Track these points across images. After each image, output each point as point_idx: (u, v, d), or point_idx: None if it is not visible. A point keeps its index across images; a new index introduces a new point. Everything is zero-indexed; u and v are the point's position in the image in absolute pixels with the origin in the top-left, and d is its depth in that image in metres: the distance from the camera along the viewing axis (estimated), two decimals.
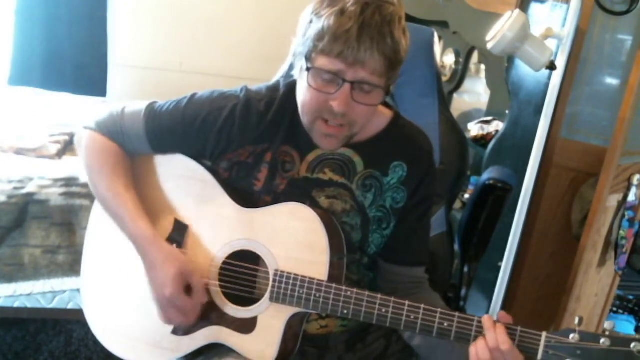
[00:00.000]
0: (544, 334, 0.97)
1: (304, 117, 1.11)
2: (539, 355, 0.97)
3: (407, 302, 1.04)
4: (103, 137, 1.20)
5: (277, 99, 1.18)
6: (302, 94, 1.09)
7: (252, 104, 1.17)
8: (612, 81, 1.99)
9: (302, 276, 1.08)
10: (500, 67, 2.20)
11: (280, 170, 1.18)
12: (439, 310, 1.02)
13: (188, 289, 1.11)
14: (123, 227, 1.15)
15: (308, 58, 1.05)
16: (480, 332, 1.01)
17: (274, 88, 1.21)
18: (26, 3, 3.01)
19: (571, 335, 0.95)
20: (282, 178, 1.17)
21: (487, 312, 2.00)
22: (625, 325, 2.48)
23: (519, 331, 0.99)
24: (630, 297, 2.56)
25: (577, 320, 0.96)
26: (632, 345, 0.92)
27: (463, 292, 1.73)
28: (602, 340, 0.94)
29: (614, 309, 2.51)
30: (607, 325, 0.95)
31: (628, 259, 1.96)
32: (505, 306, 1.98)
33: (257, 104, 1.18)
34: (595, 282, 1.90)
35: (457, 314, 1.02)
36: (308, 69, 1.05)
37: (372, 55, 1.00)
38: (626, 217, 1.80)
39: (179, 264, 1.10)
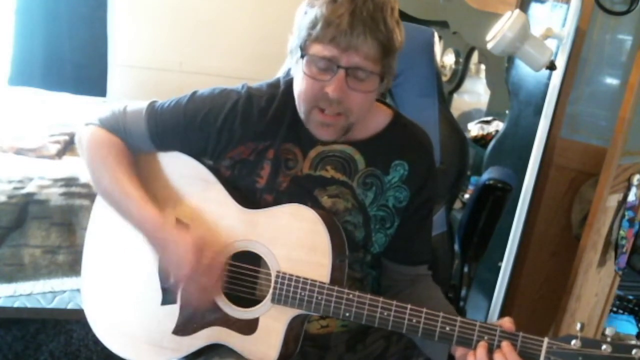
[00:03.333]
0: (546, 339, 0.97)
1: (301, 107, 1.12)
2: None
3: (409, 306, 1.04)
4: (106, 132, 1.21)
5: (277, 95, 1.19)
6: (298, 84, 1.10)
7: (253, 100, 1.18)
8: (612, 81, 1.99)
9: (303, 278, 1.08)
10: (500, 67, 2.20)
11: (283, 167, 1.18)
12: (441, 314, 1.02)
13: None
14: (129, 216, 1.15)
15: (302, 47, 1.06)
16: (481, 337, 1.00)
17: (275, 85, 1.21)
18: (26, 3, 3.02)
19: (573, 341, 0.95)
20: (284, 176, 1.17)
21: (487, 312, 2.00)
22: (625, 325, 2.49)
23: (520, 337, 0.99)
24: (630, 297, 2.56)
25: (578, 326, 0.96)
26: (634, 352, 0.92)
27: (463, 292, 1.73)
28: (603, 347, 0.93)
29: (614, 309, 2.51)
30: (608, 331, 0.95)
31: (628, 259, 1.96)
32: (505, 306, 1.98)
33: (258, 99, 1.18)
34: (595, 282, 1.90)
35: (459, 318, 1.02)
36: (302, 57, 1.06)
37: (365, 40, 1.01)
38: (626, 217, 1.80)
39: (192, 240, 1.08)
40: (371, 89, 1.08)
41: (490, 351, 0.99)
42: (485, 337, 1.00)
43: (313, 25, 1.03)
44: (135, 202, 1.13)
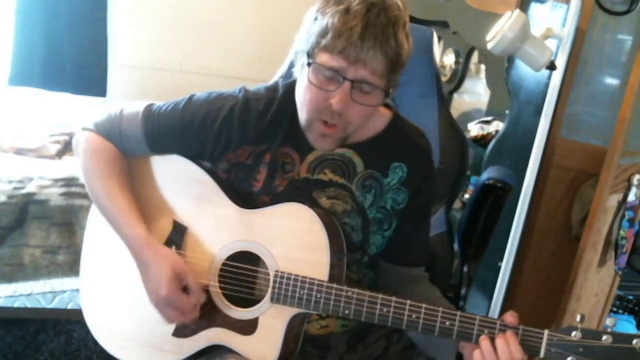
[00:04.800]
0: (546, 331, 0.98)
1: (302, 115, 1.12)
2: (542, 353, 0.97)
3: (408, 302, 1.04)
4: (100, 138, 1.20)
5: (276, 99, 1.18)
6: (302, 91, 1.10)
7: (250, 104, 1.18)
8: (612, 81, 1.99)
9: (302, 277, 1.08)
10: (500, 67, 2.20)
11: (280, 171, 1.17)
12: (440, 309, 1.02)
13: (186, 289, 1.11)
14: (117, 229, 1.15)
15: (310, 54, 1.05)
16: (482, 331, 1.00)
17: (273, 88, 1.21)
18: (26, 3, 3.01)
19: (573, 333, 0.96)
20: (281, 179, 1.17)
21: (487, 312, 2.00)
22: (625, 325, 2.48)
23: (520, 329, 0.99)
24: (630, 297, 2.56)
25: (578, 317, 0.96)
26: (634, 341, 0.93)
27: (463, 292, 1.73)
28: (604, 337, 0.94)
29: (614, 309, 2.51)
30: (608, 322, 0.96)
31: (628, 259, 1.96)
32: (505, 306, 1.98)
33: (255, 103, 1.18)
34: (595, 282, 1.90)
35: (458, 312, 1.02)
36: (309, 64, 1.05)
37: (375, 55, 1.01)
38: (626, 217, 1.80)
39: (173, 264, 1.10)
40: (374, 103, 1.08)
41: (493, 344, 0.99)
42: (486, 331, 1.00)
43: (323, 34, 1.02)
44: (123, 216, 1.13)
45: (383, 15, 1.00)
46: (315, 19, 1.05)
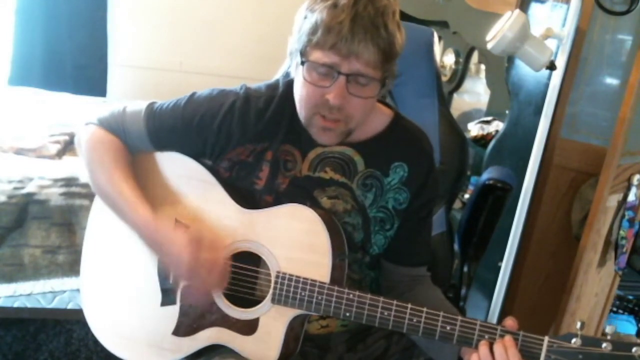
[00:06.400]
0: (546, 338, 0.97)
1: (302, 113, 1.12)
2: None
3: (409, 305, 1.04)
4: (104, 131, 1.20)
5: (276, 96, 1.19)
6: (299, 89, 1.10)
7: (251, 101, 1.18)
8: (612, 81, 1.99)
9: (303, 278, 1.08)
10: (500, 67, 2.20)
11: (282, 169, 1.18)
12: (441, 313, 1.02)
13: None
14: (124, 216, 1.15)
15: (302, 52, 1.06)
16: (482, 336, 1.00)
17: (274, 86, 1.21)
18: (26, 3, 3.01)
19: (573, 340, 0.96)
20: (283, 177, 1.17)
21: (487, 312, 2.00)
22: (625, 325, 2.48)
23: (520, 336, 0.99)
24: (630, 297, 2.56)
25: (578, 324, 0.96)
26: (634, 349, 0.92)
27: (463, 291, 1.73)
28: (603, 345, 0.94)
29: (614, 309, 2.51)
30: (608, 329, 0.96)
31: (628, 259, 1.96)
32: (505, 306, 1.98)
33: (256, 100, 1.18)
34: (595, 282, 1.90)
35: (459, 317, 1.02)
36: (303, 63, 1.06)
37: (366, 47, 1.01)
38: (626, 217, 1.80)
39: (187, 237, 1.07)
40: (372, 95, 1.08)
41: (492, 349, 0.99)
42: (486, 336, 1.00)
43: (313, 31, 1.02)
44: (129, 203, 1.13)
45: (371, 6, 1.01)
46: (305, 17, 1.05)
